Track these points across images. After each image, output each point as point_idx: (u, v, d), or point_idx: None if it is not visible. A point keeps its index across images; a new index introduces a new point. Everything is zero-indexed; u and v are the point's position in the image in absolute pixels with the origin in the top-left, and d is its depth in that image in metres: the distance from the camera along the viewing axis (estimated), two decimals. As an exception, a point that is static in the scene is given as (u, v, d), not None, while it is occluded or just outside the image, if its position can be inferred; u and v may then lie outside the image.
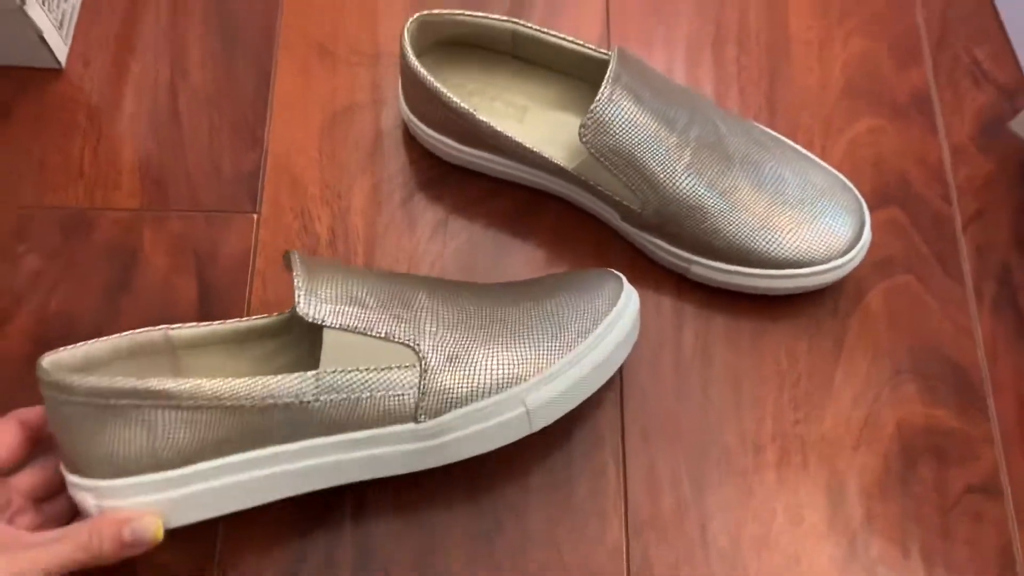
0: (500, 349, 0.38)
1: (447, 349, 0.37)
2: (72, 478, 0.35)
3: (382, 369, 0.36)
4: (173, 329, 0.39)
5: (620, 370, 0.42)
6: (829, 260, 0.43)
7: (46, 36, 0.47)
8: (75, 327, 0.44)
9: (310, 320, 0.36)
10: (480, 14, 0.45)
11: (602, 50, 0.44)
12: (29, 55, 0.48)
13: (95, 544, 0.34)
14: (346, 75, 0.50)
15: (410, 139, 0.48)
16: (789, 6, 0.52)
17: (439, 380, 0.37)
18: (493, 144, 0.44)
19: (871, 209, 0.47)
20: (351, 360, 0.36)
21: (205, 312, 0.44)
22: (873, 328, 0.46)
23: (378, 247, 0.46)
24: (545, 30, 0.45)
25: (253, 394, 0.35)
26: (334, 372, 0.36)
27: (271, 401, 0.35)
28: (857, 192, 0.44)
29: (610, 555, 0.41)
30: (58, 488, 0.37)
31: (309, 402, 0.35)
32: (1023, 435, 0.44)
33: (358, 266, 0.44)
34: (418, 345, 0.37)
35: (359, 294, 0.37)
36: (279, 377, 0.35)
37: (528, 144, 0.43)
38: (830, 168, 0.45)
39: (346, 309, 0.36)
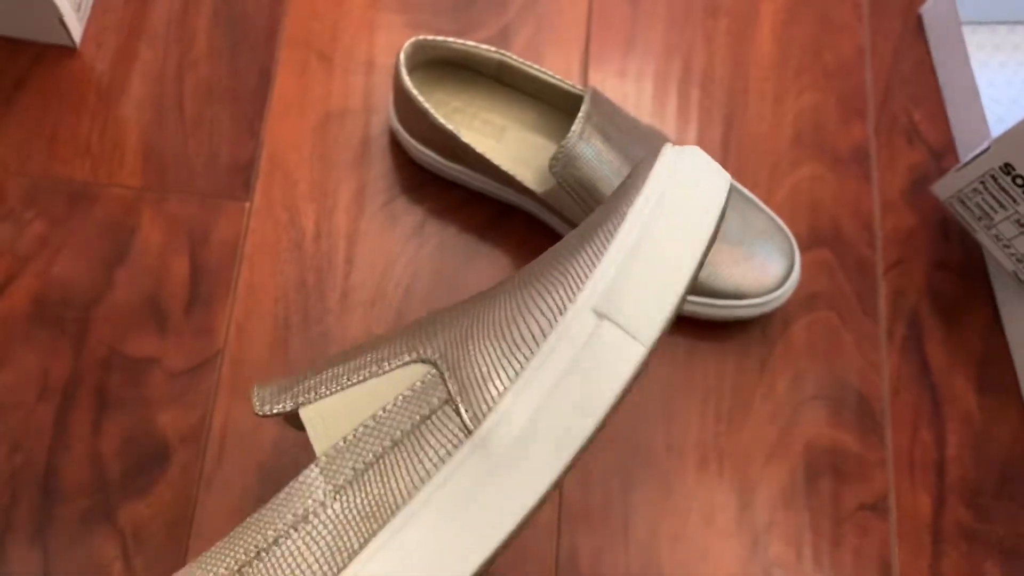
0: (531, 294, 0.29)
1: (463, 332, 0.29)
2: None
3: (398, 404, 0.29)
4: None
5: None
6: (760, 295, 0.48)
7: (65, 18, 0.50)
8: (73, 292, 0.48)
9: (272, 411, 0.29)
10: (471, 43, 0.49)
11: (577, 86, 0.49)
12: (47, 33, 0.51)
13: None
14: (341, 81, 0.54)
15: (396, 146, 0.52)
16: (751, 57, 0.57)
17: (467, 364, 0.28)
18: (471, 161, 0.48)
19: (804, 248, 0.53)
20: (348, 424, 0.29)
21: (195, 291, 0.48)
22: (794, 356, 0.51)
23: (359, 244, 0.50)
24: (528, 63, 0.49)
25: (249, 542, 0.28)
26: (341, 442, 0.28)
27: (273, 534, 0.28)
28: (792, 237, 0.50)
29: (543, 538, 0.46)
30: None
31: (325, 504, 0.28)
32: (911, 464, 0.50)
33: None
34: (422, 351, 0.29)
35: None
36: (274, 500, 0.28)
37: (503, 164, 0.47)
38: (770, 212, 0.50)
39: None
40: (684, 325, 0.50)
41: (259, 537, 0.28)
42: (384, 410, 0.29)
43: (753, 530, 0.47)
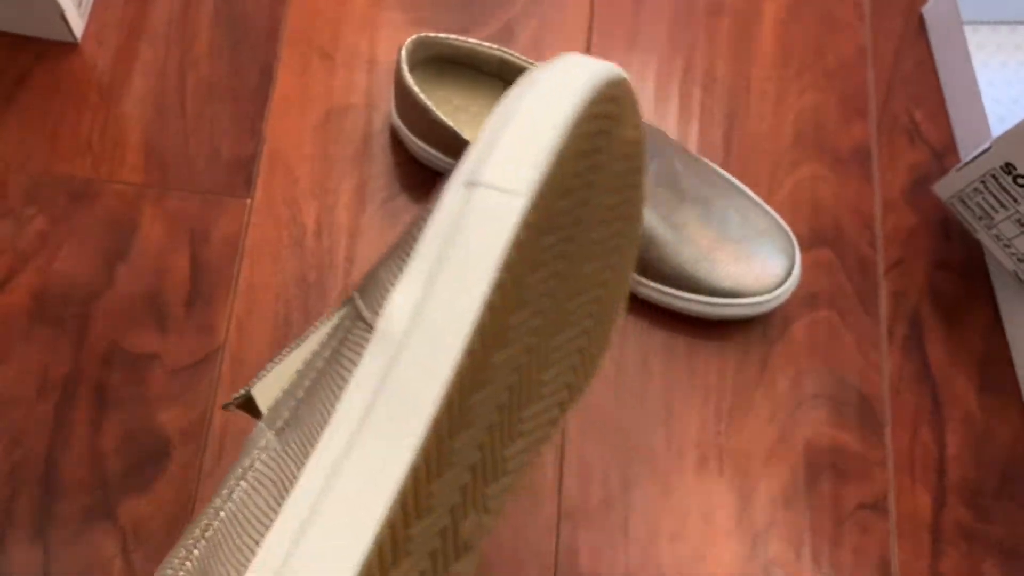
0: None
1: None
2: None
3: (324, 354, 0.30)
4: None
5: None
6: (761, 294, 0.48)
7: (66, 14, 0.50)
8: (74, 289, 0.48)
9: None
10: (473, 41, 0.49)
11: (579, 84, 0.49)
12: (48, 29, 0.51)
13: None
14: (343, 78, 0.54)
15: (397, 143, 0.52)
16: (752, 57, 0.57)
17: (373, 281, 0.29)
18: (473, 159, 0.48)
19: (805, 248, 0.53)
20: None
21: (195, 288, 0.48)
22: (794, 355, 0.51)
23: (360, 241, 0.50)
24: (530, 61, 0.49)
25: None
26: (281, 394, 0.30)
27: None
28: (792, 236, 0.50)
29: (542, 535, 0.46)
30: None
31: (274, 449, 0.29)
32: (912, 464, 0.50)
33: None
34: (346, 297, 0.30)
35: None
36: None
37: (504, 163, 0.47)
38: (771, 211, 0.50)
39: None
40: (684, 324, 0.50)
41: (217, 500, 0.29)
42: (312, 353, 0.30)
43: (753, 529, 0.47)
